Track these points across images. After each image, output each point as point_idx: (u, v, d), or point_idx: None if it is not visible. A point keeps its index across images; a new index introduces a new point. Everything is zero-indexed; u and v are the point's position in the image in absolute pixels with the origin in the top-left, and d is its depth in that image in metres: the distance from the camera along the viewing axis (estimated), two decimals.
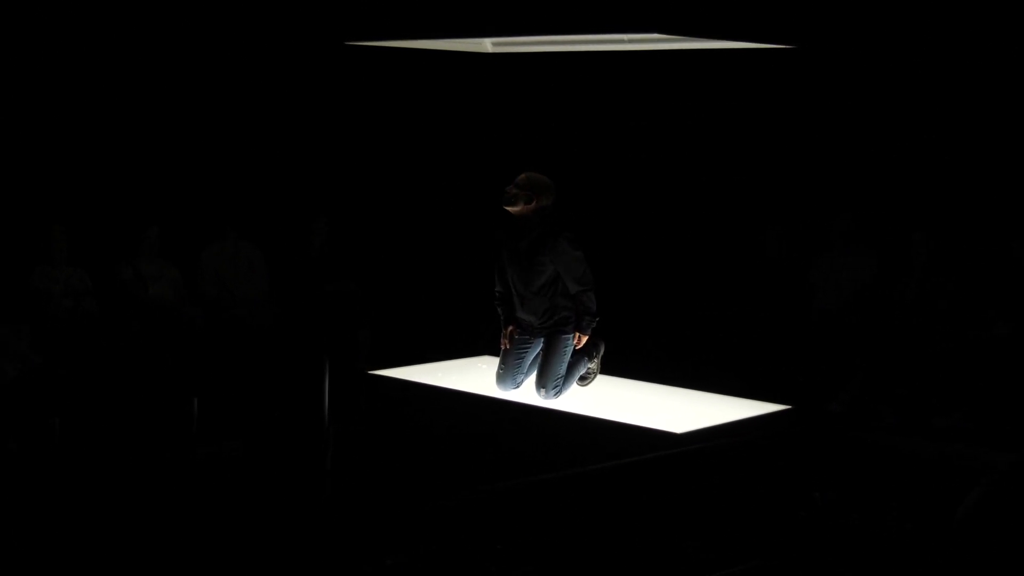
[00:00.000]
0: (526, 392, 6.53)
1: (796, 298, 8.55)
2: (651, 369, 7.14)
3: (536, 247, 6.36)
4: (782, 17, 6.48)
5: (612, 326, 6.66)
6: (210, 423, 6.89)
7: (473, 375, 6.97)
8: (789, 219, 8.90)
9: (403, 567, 5.06)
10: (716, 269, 9.01)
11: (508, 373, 6.57)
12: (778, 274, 8.72)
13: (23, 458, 6.62)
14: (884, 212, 8.53)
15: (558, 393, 6.41)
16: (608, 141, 9.64)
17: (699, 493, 5.87)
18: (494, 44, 7.14)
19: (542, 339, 6.51)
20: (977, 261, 8.01)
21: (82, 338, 7.91)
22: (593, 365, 6.60)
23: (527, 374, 6.61)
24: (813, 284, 8.52)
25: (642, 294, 9.00)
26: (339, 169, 9.81)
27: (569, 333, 6.44)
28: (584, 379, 6.59)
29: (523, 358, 6.58)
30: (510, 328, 6.62)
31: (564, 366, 6.43)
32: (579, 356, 6.50)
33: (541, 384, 6.41)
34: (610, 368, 6.78)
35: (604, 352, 6.66)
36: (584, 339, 6.44)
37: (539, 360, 6.50)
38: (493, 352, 7.02)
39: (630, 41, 6.50)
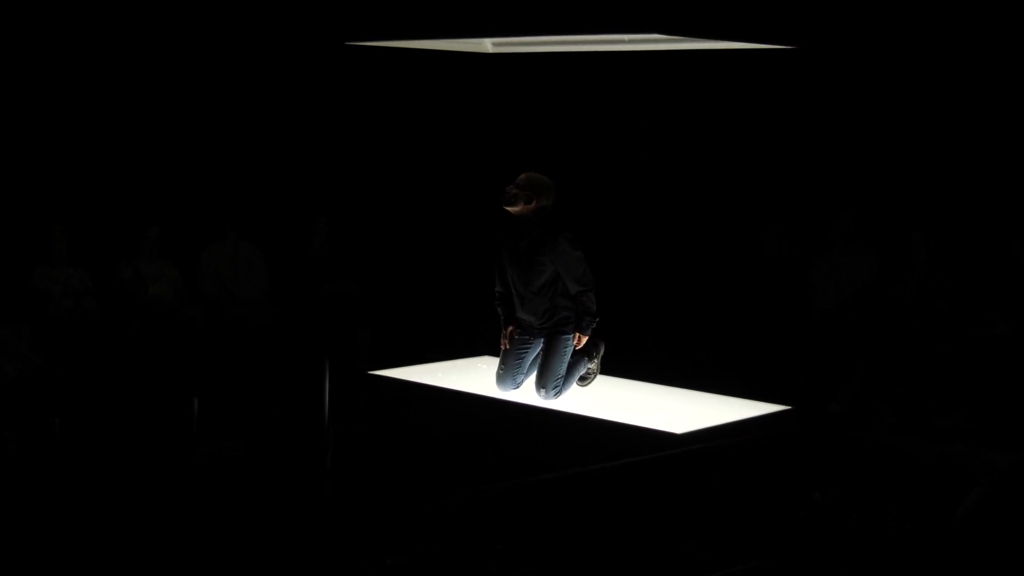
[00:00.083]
0: (526, 392, 6.53)
1: (796, 298, 8.55)
2: (651, 369, 7.14)
3: (536, 247, 6.37)
4: (782, 17, 6.48)
5: (612, 326, 6.66)
6: (210, 423, 6.89)
7: (473, 375, 6.97)
8: (789, 219, 8.90)
9: (403, 567, 5.06)
10: (716, 269, 9.01)
11: (508, 373, 6.57)
12: (778, 274, 8.72)
13: (23, 458, 6.62)
14: (884, 212, 8.53)
15: (558, 393, 6.41)
16: (608, 141, 9.64)
17: (699, 493, 5.87)
18: (494, 44, 7.14)
19: (542, 339, 6.51)
20: (977, 261, 8.01)
21: (82, 338, 7.91)
22: (593, 365, 6.60)
23: (527, 374, 6.61)
24: (813, 284, 8.52)
25: (642, 294, 9.00)
26: (339, 169, 9.81)
27: (569, 333, 6.44)
28: (584, 379, 6.59)
29: (523, 358, 6.58)
30: (510, 328, 6.62)
31: (564, 366, 6.43)
32: (579, 356, 6.50)
33: (541, 384, 6.41)
34: (610, 368, 6.78)
35: (604, 352, 6.66)
36: (584, 339, 6.44)
37: (539, 360, 6.50)
38: (493, 352, 7.02)
39: (630, 41, 6.50)
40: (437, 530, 5.42)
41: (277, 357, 8.34)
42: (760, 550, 5.38)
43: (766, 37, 6.50)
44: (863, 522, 5.75)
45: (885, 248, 8.38)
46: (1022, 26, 7.80)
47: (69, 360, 7.62)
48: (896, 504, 5.99)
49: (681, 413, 6.16)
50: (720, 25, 6.08)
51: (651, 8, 5.72)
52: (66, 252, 8.13)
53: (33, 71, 8.56)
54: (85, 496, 6.05)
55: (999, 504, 4.34)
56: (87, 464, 6.54)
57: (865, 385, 7.70)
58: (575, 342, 6.44)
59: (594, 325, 6.44)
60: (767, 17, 6.37)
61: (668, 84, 9.14)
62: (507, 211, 6.45)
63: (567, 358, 6.44)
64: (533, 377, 6.53)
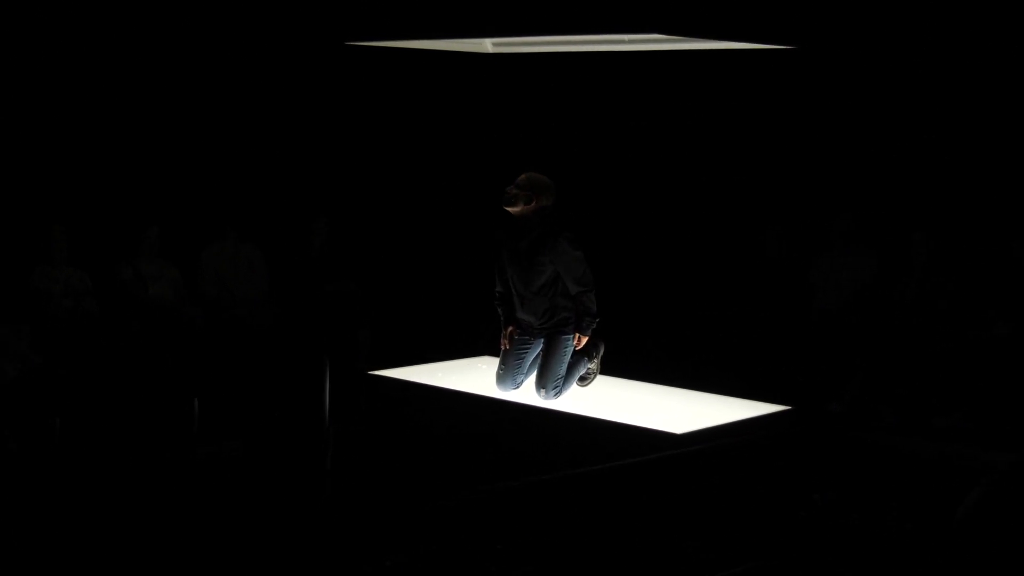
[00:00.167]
0: (526, 392, 6.53)
1: (796, 298, 8.55)
2: (651, 369, 7.15)
3: (536, 247, 6.36)
4: (782, 17, 6.48)
5: (612, 326, 6.67)
6: (210, 423, 6.89)
7: (473, 375, 6.97)
8: (789, 219, 8.90)
9: (403, 567, 5.06)
10: (716, 269, 9.01)
11: (508, 373, 6.57)
12: (778, 274, 8.72)
13: (23, 458, 6.62)
14: (884, 212, 8.53)
15: (558, 393, 6.41)
16: (608, 141, 9.64)
17: (699, 493, 5.87)
18: (494, 44, 7.14)
19: (542, 339, 6.51)
20: (977, 261, 8.01)
21: (82, 338, 7.91)
22: (593, 365, 6.60)
23: (527, 374, 6.61)
24: (813, 284, 8.52)
25: (642, 294, 9.00)
26: (339, 169, 9.81)
27: (569, 334, 6.43)
28: (584, 379, 6.58)
29: (523, 358, 6.58)
30: (510, 328, 6.62)
31: (564, 366, 6.43)
32: (579, 356, 6.50)
33: (541, 384, 6.41)
34: (610, 368, 6.78)
35: (604, 352, 6.66)
36: (584, 340, 6.43)
37: (539, 360, 6.50)
38: (493, 352, 7.02)
39: (630, 41, 6.50)
40: (437, 530, 5.42)
41: (277, 357, 8.34)
42: (760, 550, 5.38)
43: (766, 37, 6.50)
44: (863, 522, 5.75)
45: (885, 248, 8.38)
46: (1022, 26, 7.80)
47: (69, 360, 7.62)
48: (896, 504, 5.99)
49: (681, 413, 6.16)
50: (720, 25, 6.08)
51: (651, 8, 5.72)
52: (66, 252, 8.13)
53: (33, 71, 8.56)
54: (85, 496, 6.05)
55: (999, 504, 4.34)
56: (87, 464, 6.54)
57: (865, 385, 7.70)
58: (575, 342, 6.43)
59: (594, 326, 6.44)
60: (767, 17, 6.37)
61: (668, 84, 9.14)
62: (507, 211, 6.45)
63: (567, 358, 6.44)
64: (533, 377, 6.53)
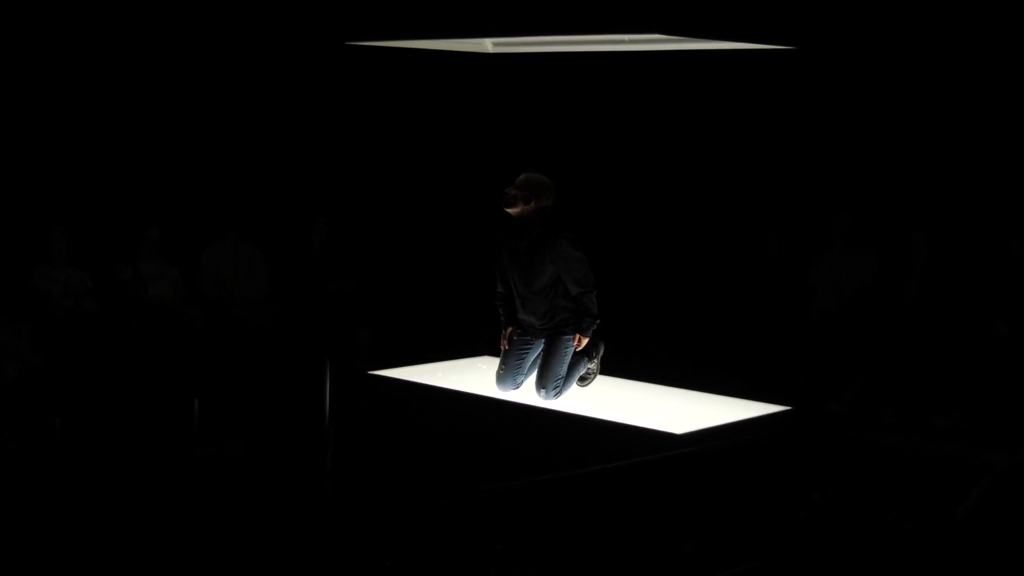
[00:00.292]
0: (526, 392, 6.53)
1: (796, 298, 8.55)
2: (651, 369, 7.14)
3: (536, 248, 6.36)
4: (782, 17, 6.47)
5: (612, 326, 6.66)
6: (210, 423, 6.89)
7: (473, 375, 6.97)
8: (789, 219, 8.90)
9: (403, 567, 5.06)
10: (716, 269, 9.01)
11: (508, 374, 6.57)
12: (778, 274, 8.72)
13: (23, 458, 6.62)
14: (884, 212, 8.54)
15: (558, 394, 6.40)
16: (608, 141, 9.64)
17: (699, 494, 5.87)
18: (494, 44, 7.13)
19: (543, 340, 6.51)
20: (977, 261, 8.01)
21: (82, 338, 7.91)
22: (593, 365, 6.60)
23: (527, 375, 6.61)
24: (813, 284, 8.52)
25: (642, 294, 9.00)
26: (339, 169, 9.81)
27: (570, 334, 6.43)
28: (584, 379, 6.58)
29: (524, 359, 6.57)
30: (509, 329, 6.62)
31: (565, 367, 6.43)
32: (579, 356, 6.49)
33: (541, 384, 6.41)
34: (610, 368, 6.78)
35: (604, 352, 6.66)
36: (584, 341, 6.42)
37: (539, 360, 6.49)
38: (493, 352, 7.02)
39: (630, 41, 6.50)
40: (437, 530, 5.42)
41: (277, 357, 8.34)
42: (760, 550, 5.38)
43: (766, 37, 6.50)
44: (863, 522, 5.75)
45: (885, 248, 8.38)
46: (1022, 26, 7.80)
47: (69, 360, 7.62)
48: (896, 504, 5.99)
49: (681, 413, 6.16)
50: (720, 25, 6.07)
51: (651, 8, 5.72)
52: (66, 252, 8.13)
53: (33, 71, 8.56)
54: (85, 496, 6.05)
55: (999, 504, 4.34)
56: (87, 464, 6.54)
57: (865, 385, 7.70)
58: (575, 344, 6.43)
59: (594, 327, 6.43)
60: (767, 17, 6.37)
61: (668, 84, 9.14)
62: (507, 213, 6.44)
63: (568, 359, 6.43)
64: (533, 377, 6.53)
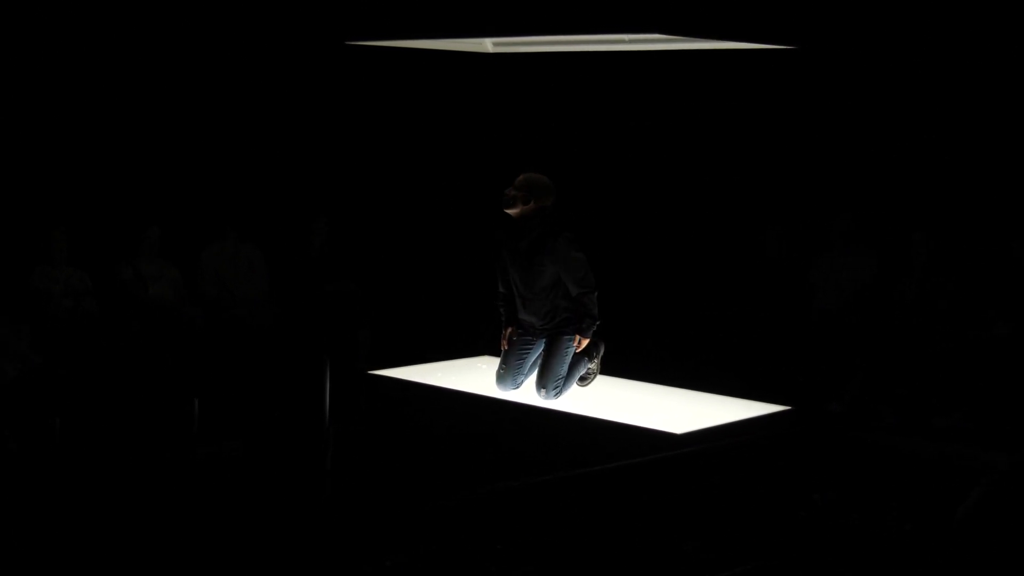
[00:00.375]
0: (526, 392, 6.53)
1: (796, 298, 8.55)
2: (651, 369, 7.14)
3: (536, 248, 6.35)
4: (782, 17, 6.47)
5: (612, 326, 6.66)
6: (210, 423, 6.89)
7: (473, 375, 6.97)
8: (789, 219, 8.90)
9: (403, 567, 5.06)
10: (716, 269, 9.01)
11: (509, 373, 6.57)
12: (778, 274, 8.72)
13: (23, 458, 6.62)
14: (884, 212, 8.54)
15: (558, 393, 6.40)
16: (608, 141, 9.64)
17: (699, 494, 5.87)
18: (494, 44, 7.13)
19: (544, 340, 6.50)
20: (977, 261, 8.01)
21: (82, 338, 7.91)
22: (593, 365, 6.59)
23: (527, 375, 6.61)
24: (813, 284, 8.52)
25: (642, 294, 9.00)
26: (339, 169, 9.81)
27: (571, 334, 6.42)
28: (584, 379, 6.58)
29: (524, 359, 6.57)
30: (509, 330, 6.61)
31: (565, 367, 6.42)
32: (579, 356, 6.49)
33: (542, 384, 6.40)
34: (610, 368, 6.78)
35: (604, 352, 6.66)
36: (584, 343, 6.42)
37: (540, 360, 6.49)
38: (493, 352, 7.01)
39: (631, 41, 6.50)
40: (437, 530, 5.42)
41: (277, 357, 8.34)
42: (760, 550, 5.38)
43: (766, 37, 6.50)
44: (863, 522, 5.75)
45: (885, 248, 8.38)
46: (1022, 26, 7.80)
47: (69, 360, 7.62)
48: (896, 504, 5.99)
49: (681, 413, 6.16)
50: (720, 25, 6.07)
51: (651, 8, 5.72)
52: (66, 252, 8.13)
53: (33, 72, 8.56)
54: (85, 496, 6.05)
55: (999, 504, 4.34)
56: (87, 464, 6.54)
57: (865, 385, 7.70)
58: (575, 345, 6.42)
59: (594, 328, 6.41)
60: (767, 17, 6.37)
61: (668, 84, 9.14)
62: (507, 214, 6.44)
63: (568, 359, 6.43)
64: (533, 377, 6.53)
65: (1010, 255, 7.77)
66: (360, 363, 8.27)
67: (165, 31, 8.89)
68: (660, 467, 5.74)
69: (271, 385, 7.90)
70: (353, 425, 6.76)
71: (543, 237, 6.34)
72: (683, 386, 6.76)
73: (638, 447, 5.79)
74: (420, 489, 5.91)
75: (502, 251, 6.56)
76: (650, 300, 9.00)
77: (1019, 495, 4.33)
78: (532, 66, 8.90)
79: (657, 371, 7.08)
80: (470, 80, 9.39)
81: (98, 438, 6.92)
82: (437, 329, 8.84)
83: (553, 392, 6.38)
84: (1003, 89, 8.10)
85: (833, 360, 7.97)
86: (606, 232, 9.03)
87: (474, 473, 5.97)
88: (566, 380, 6.44)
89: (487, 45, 7.16)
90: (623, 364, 6.94)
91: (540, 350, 6.54)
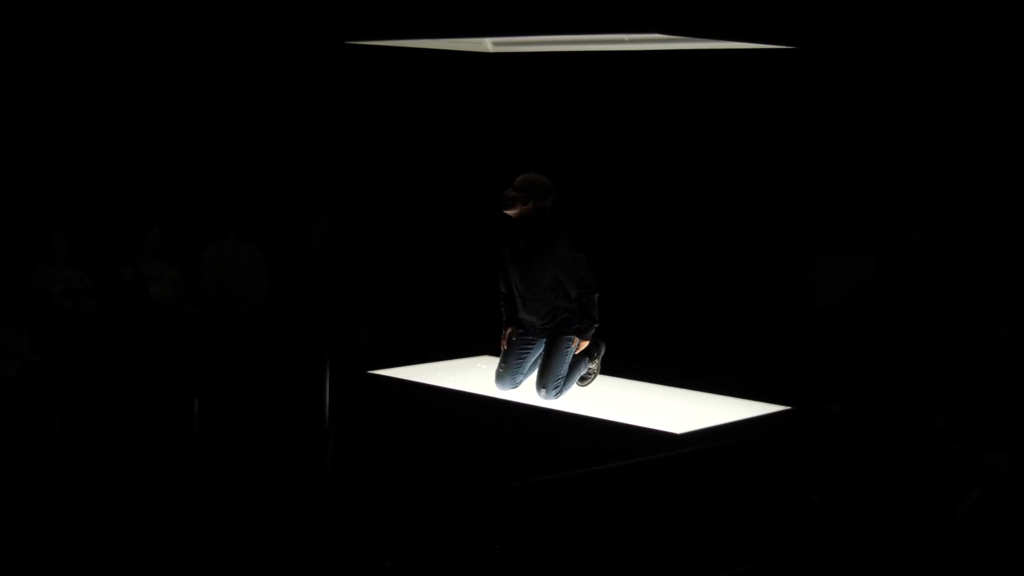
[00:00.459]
0: (526, 392, 6.53)
1: (796, 298, 8.55)
2: (651, 369, 7.14)
3: (536, 248, 6.35)
4: (782, 17, 6.47)
5: (612, 326, 6.66)
6: (210, 423, 6.89)
7: (473, 375, 6.97)
8: (789, 219, 8.90)
9: (403, 567, 5.06)
10: (716, 269, 9.01)
11: (508, 373, 6.57)
12: (778, 274, 8.72)
13: (23, 458, 6.62)
14: (884, 212, 8.54)
15: (559, 393, 6.40)
16: (608, 141, 9.64)
17: (699, 494, 5.87)
18: (494, 44, 7.13)
19: (544, 340, 6.50)
20: (977, 261, 8.01)
21: (82, 338, 7.91)
22: (594, 365, 6.59)
23: (526, 375, 6.61)
24: (813, 284, 8.52)
25: (642, 294, 9.00)
26: (339, 169, 9.81)
27: (571, 333, 6.42)
28: (584, 379, 6.58)
29: (524, 359, 6.57)
30: (509, 330, 6.61)
31: (565, 367, 6.42)
32: (580, 356, 6.49)
33: (542, 384, 6.40)
34: (610, 368, 6.78)
35: (604, 352, 6.66)
36: (584, 345, 6.41)
37: (540, 360, 6.49)
38: (493, 352, 7.01)
39: (630, 41, 6.50)
40: (437, 530, 5.42)
41: (277, 357, 8.34)
42: (760, 550, 5.38)
43: (766, 37, 6.50)
44: (863, 522, 5.75)
45: (885, 248, 8.38)
46: (1022, 26, 7.80)
47: (69, 360, 7.62)
48: (896, 504, 5.99)
49: (681, 413, 6.16)
50: (720, 25, 6.07)
51: (651, 8, 5.72)
52: (66, 252, 8.13)
53: (33, 72, 8.56)
54: (85, 496, 6.05)
55: (999, 504, 4.34)
56: (87, 464, 6.54)
57: (865, 386, 7.70)
58: (575, 347, 6.41)
59: (593, 330, 6.40)
60: (767, 17, 6.37)
61: (668, 84, 9.14)
62: (507, 215, 6.44)
63: (568, 358, 6.42)
64: (533, 377, 6.52)
65: (1010, 255, 7.77)
66: (360, 363, 8.27)
67: (165, 31, 8.89)
68: (660, 467, 5.74)
69: (271, 385, 7.90)
70: (353, 425, 6.76)
71: (543, 238, 6.33)
72: (683, 386, 6.76)
73: (638, 447, 5.79)
74: (420, 489, 5.90)
75: (503, 251, 6.56)
76: (650, 300, 9.00)
77: (1019, 495, 4.33)
78: (532, 66, 8.90)
79: (657, 371, 7.07)
80: (470, 80, 9.39)
81: (98, 438, 6.92)
82: (437, 329, 8.83)
83: (553, 392, 6.38)
84: (1003, 89, 8.10)
85: (833, 360, 7.97)
86: (606, 232, 9.03)
87: (474, 473, 5.97)
88: (566, 380, 6.43)
89: (487, 45, 7.15)
90: (623, 364, 6.94)
91: (540, 350, 6.54)
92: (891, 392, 7.61)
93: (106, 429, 7.02)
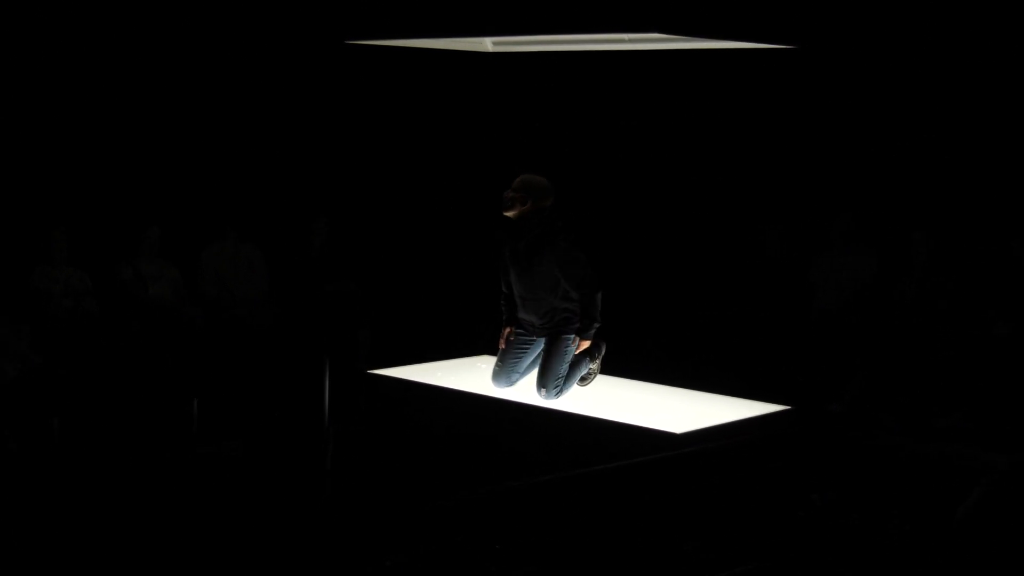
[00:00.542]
0: (526, 392, 6.53)
1: (796, 298, 8.54)
2: (651, 369, 7.14)
3: (535, 249, 6.35)
4: (782, 17, 6.47)
5: (612, 326, 6.66)
6: (210, 423, 6.89)
7: (473, 375, 6.97)
8: (789, 219, 8.90)
9: (403, 567, 5.06)
10: (716, 269, 9.01)
11: (503, 371, 6.58)
12: (778, 274, 8.72)
13: (23, 458, 6.62)
14: (884, 212, 8.54)
15: (559, 393, 6.40)
16: (608, 141, 9.64)
17: (699, 494, 5.87)
18: (494, 43, 7.13)
19: (543, 339, 6.50)
20: (977, 261, 8.01)
21: (82, 338, 7.91)
22: (594, 365, 6.59)
23: (523, 374, 6.62)
24: (813, 284, 8.52)
25: (642, 294, 9.00)
26: (339, 169, 9.81)
27: (570, 333, 6.42)
28: (584, 379, 6.58)
29: (520, 358, 6.58)
30: (507, 330, 6.62)
31: (565, 366, 6.42)
32: (580, 356, 6.49)
33: (542, 384, 6.40)
34: (610, 368, 6.78)
35: (604, 352, 6.66)
36: (584, 345, 6.41)
37: (540, 360, 6.49)
38: (493, 352, 7.01)
39: (630, 41, 6.50)
40: (437, 530, 5.42)
41: (277, 357, 8.34)
42: (760, 550, 5.38)
43: (766, 37, 6.50)
44: (863, 523, 5.75)
45: (885, 248, 8.38)
46: (1022, 26, 7.80)
47: (69, 360, 7.62)
48: (896, 504, 5.99)
49: (681, 413, 6.16)
50: (720, 25, 6.07)
51: (651, 8, 5.72)
52: (66, 252, 8.13)
53: (33, 72, 8.56)
54: (85, 496, 6.05)
55: (999, 504, 4.34)
56: (87, 464, 6.53)
57: (865, 386, 7.69)
58: (575, 347, 6.41)
59: (594, 330, 6.40)
60: (767, 17, 6.37)
61: (668, 84, 9.14)
62: (506, 216, 6.44)
63: (568, 358, 6.43)
64: (533, 377, 6.53)
65: (1010, 255, 7.77)
66: (360, 363, 8.27)
67: (165, 31, 8.89)
68: (660, 467, 5.74)
69: (271, 385, 7.90)
70: (353, 425, 6.76)
71: (542, 238, 6.34)
72: (683, 386, 6.76)
73: (638, 447, 5.79)
74: (420, 489, 5.90)
75: (503, 251, 6.57)
76: (650, 300, 9.00)
77: (1019, 495, 4.33)
78: (532, 65, 8.90)
79: (657, 371, 7.07)
80: (470, 79, 9.39)
81: (98, 438, 6.91)
82: (437, 329, 8.83)
83: (554, 392, 6.38)
84: (1003, 89, 8.10)
85: (833, 360, 7.97)
86: (606, 232, 9.03)
87: (474, 473, 5.97)
88: (567, 380, 6.43)
89: (487, 44, 7.16)
90: (623, 364, 6.94)
91: (538, 350, 6.54)
92: (891, 392, 7.61)
93: (106, 429, 7.02)
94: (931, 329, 7.76)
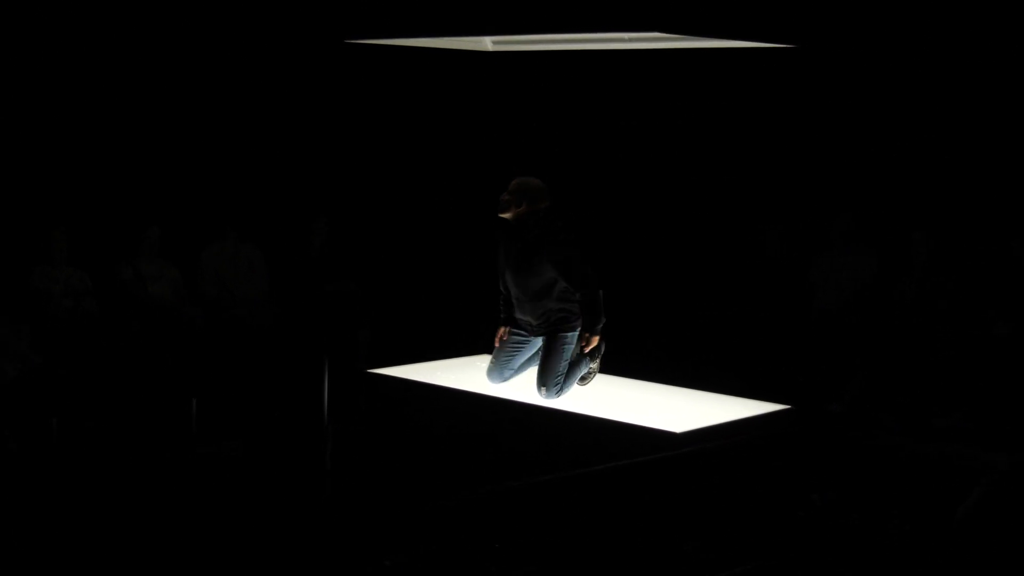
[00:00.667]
0: (526, 392, 6.53)
1: (796, 298, 8.54)
2: (651, 369, 7.14)
3: (532, 250, 6.35)
4: (782, 17, 6.47)
5: (612, 326, 6.66)
6: (210, 423, 6.89)
7: (473, 374, 6.96)
8: (789, 219, 8.90)
9: (403, 567, 5.06)
10: (716, 269, 9.01)
11: (496, 368, 6.61)
12: (778, 274, 8.72)
13: (23, 458, 6.62)
14: (884, 212, 8.53)
15: (559, 392, 6.40)
16: (608, 140, 9.64)
17: (699, 493, 5.87)
18: (494, 43, 7.13)
19: (540, 339, 6.51)
20: (977, 261, 8.01)
21: (82, 338, 7.91)
22: (594, 365, 6.59)
23: (518, 371, 6.63)
24: (813, 284, 8.52)
25: (642, 294, 8.99)
26: (339, 169, 9.81)
27: (567, 332, 6.42)
28: (584, 379, 6.58)
29: (513, 356, 6.60)
30: (502, 330, 6.64)
31: (565, 365, 6.42)
32: (582, 355, 6.49)
33: (542, 383, 6.40)
34: (610, 368, 6.77)
35: (604, 352, 6.65)
36: (594, 342, 6.39)
37: (539, 359, 6.49)
38: (492, 351, 7.01)
39: (630, 40, 6.50)
40: (437, 530, 5.42)
41: (277, 357, 8.34)
42: (760, 550, 5.38)
43: (766, 36, 6.50)
44: (863, 523, 5.75)
45: (885, 248, 8.38)
46: (1022, 26, 7.80)
47: (69, 360, 7.62)
48: (896, 504, 5.99)
49: (681, 413, 6.15)
50: (720, 24, 6.07)
51: (651, 7, 5.72)
52: (66, 252, 8.13)
53: (33, 72, 8.56)
54: (85, 496, 6.05)
55: (999, 504, 4.34)
56: (87, 464, 6.53)
57: (865, 386, 7.69)
58: (584, 346, 6.39)
59: (601, 325, 6.39)
60: (767, 16, 6.37)
61: (668, 83, 9.14)
62: (503, 218, 6.45)
63: (567, 357, 6.43)
64: (531, 376, 6.53)
65: (1010, 255, 7.77)
66: (360, 363, 8.27)
67: (165, 31, 8.89)
68: (660, 466, 5.74)
69: (271, 385, 7.90)
70: (353, 425, 6.76)
71: (539, 239, 6.34)
72: (683, 386, 6.76)
73: (638, 446, 5.79)
74: (420, 489, 5.90)
75: (501, 251, 6.57)
76: (650, 300, 9.00)
77: (1019, 495, 4.33)
78: (532, 65, 8.90)
79: (657, 371, 7.07)
80: (469, 79, 9.39)
81: (97, 438, 6.91)
82: (437, 329, 8.83)
83: (554, 391, 6.38)
84: (1003, 89, 8.10)
85: (833, 360, 7.97)
86: (606, 232, 9.03)
87: (474, 473, 5.97)
88: (567, 379, 6.43)
89: (486, 44, 7.15)
90: (623, 364, 6.94)
91: (533, 349, 6.55)
92: (891, 392, 7.61)
93: (106, 429, 7.02)
94: (931, 329, 7.76)
